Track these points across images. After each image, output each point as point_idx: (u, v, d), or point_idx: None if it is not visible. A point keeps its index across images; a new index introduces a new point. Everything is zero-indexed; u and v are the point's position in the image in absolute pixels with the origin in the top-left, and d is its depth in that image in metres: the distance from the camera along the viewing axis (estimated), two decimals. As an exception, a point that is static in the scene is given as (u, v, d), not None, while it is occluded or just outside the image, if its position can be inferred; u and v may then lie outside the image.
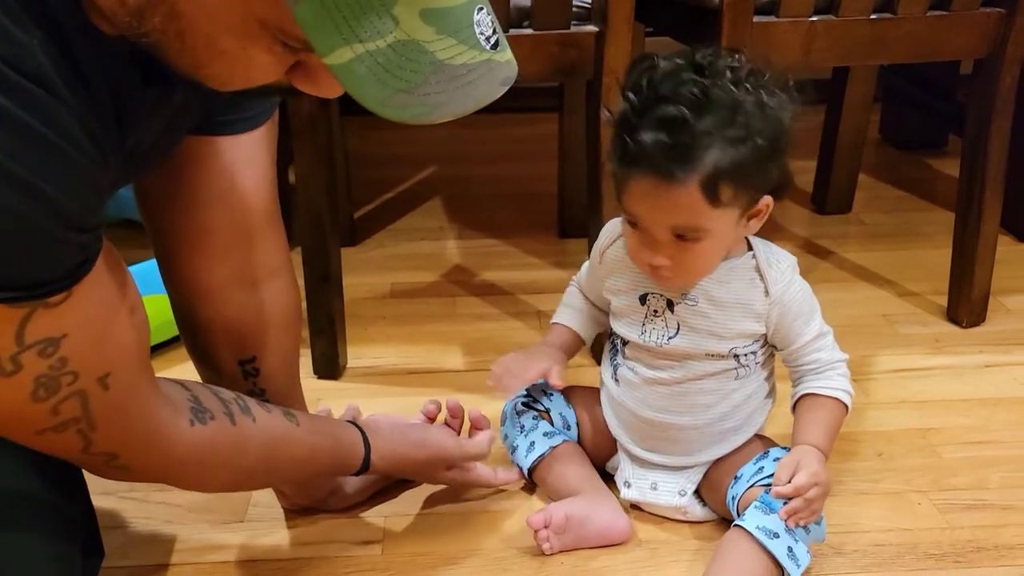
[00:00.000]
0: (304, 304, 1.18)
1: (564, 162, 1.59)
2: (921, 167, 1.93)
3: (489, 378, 0.96)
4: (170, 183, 0.76)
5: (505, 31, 1.07)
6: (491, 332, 1.33)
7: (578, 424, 1.01)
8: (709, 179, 0.78)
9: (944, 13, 1.16)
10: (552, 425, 1.00)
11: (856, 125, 1.67)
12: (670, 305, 0.89)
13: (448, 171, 1.95)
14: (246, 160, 0.77)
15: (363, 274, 1.50)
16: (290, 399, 0.89)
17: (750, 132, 0.79)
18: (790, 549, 0.82)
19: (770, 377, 0.94)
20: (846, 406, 0.89)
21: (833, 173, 1.70)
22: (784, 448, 0.91)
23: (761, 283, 0.87)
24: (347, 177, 1.60)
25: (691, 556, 0.91)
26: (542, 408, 1.01)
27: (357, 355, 1.27)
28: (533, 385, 1.02)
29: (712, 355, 0.89)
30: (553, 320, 1.03)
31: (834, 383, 0.89)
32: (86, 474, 0.78)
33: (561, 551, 0.91)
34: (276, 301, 0.84)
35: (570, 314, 1.02)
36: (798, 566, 0.83)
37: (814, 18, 1.13)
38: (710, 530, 0.94)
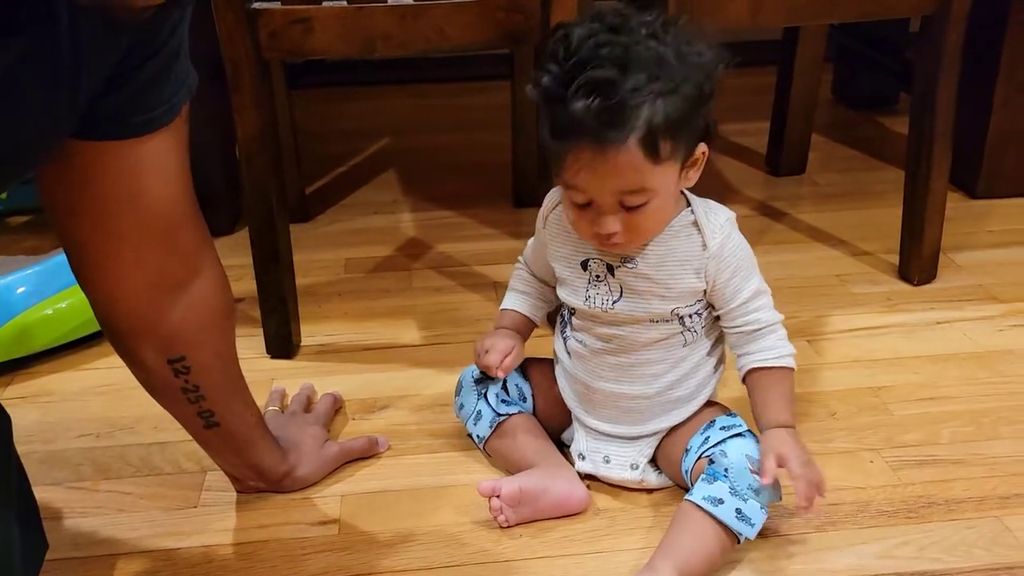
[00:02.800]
0: (255, 285, 1.17)
1: (517, 131, 1.57)
2: (873, 126, 1.94)
3: (495, 371, 0.95)
4: (74, 193, 0.71)
5: (449, -2, 1.06)
6: (447, 305, 1.32)
7: (533, 396, 1.00)
8: (647, 137, 0.77)
9: (890, -30, 1.15)
10: (508, 394, 1.00)
11: (808, 86, 1.66)
12: (611, 269, 0.88)
13: (400, 143, 1.92)
14: (153, 162, 0.72)
15: (316, 250, 1.48)
16: (228, 392, 0.86)
17: (676, 83, 0.77)
18: (738, 511, 0.83)
19: (718, 344, 0.93)
20: (793, 369, 0.89)
21: (786, 134, 1.70)
22: (731, 414, 0.91)
23: (699, 236, 0.86)
24: (296, 152, 1.57)
25: (649, 523, 0.91)
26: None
27: (311, 333, 1.25)
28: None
29: (656, 319, 0.88)
30: (502, 306, 1.02)
31: (777, 348, 0.89)
32: (27, 466, 0.76)
33: (518, 524, 0.91)
34: (202, 300, 0.81)
35: (518, 299, 1.01)
36: (751, 525, 0.83)
37: (760, -23, 1.12)
38: (667, 496, 0.94)
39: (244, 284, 1.26)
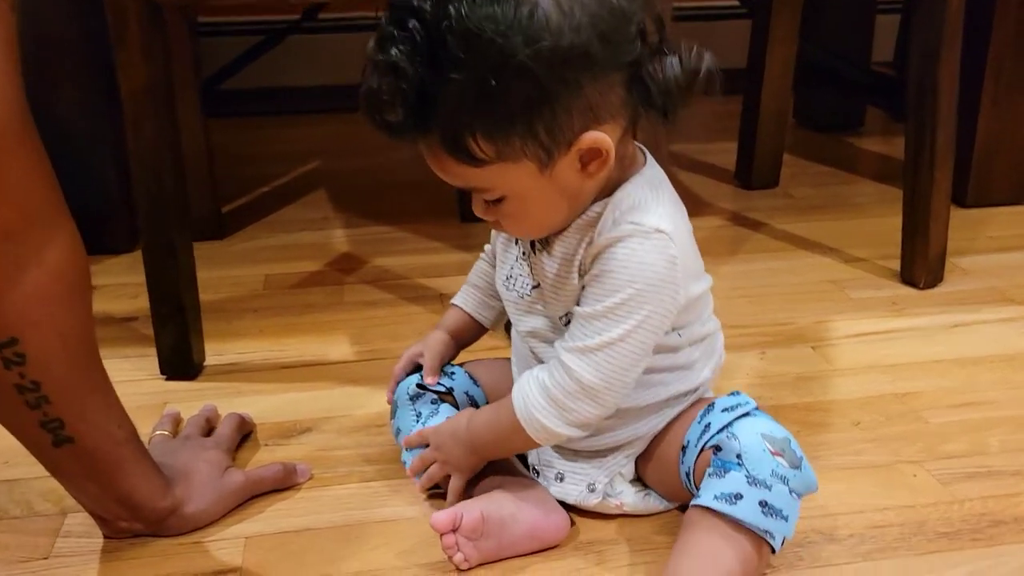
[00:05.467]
0: (146, 291, 0.95)
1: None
2: (842, 146, 1.82)
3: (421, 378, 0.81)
4: None
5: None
6: (385, 319, 1.11)
7: (488, 403, 0.80)
8: (449, 141, 0.60)
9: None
10: (457, 407, 0.79)
11: (777, 105, 1.54)
12: (533, 246, 0.70)
13: (333, 164, 1.73)
14: None
15: (230, 267, 1.26)
16: (81, 394, 0.64)
17: (467, 68, 0.57)
18: (764, 504, 0.63)
19: (696, 346, 0.73)
20: (518, 420, 0.67)
21: (757, 148, 1.56)
22: (733, 393, 0.71)
23: (591, 233, 0.66)
24: (211, 172, 1.36)
25: (650, 557, 0.70)
26: (442, 389, 0.80)
27: (218, 351, 1.03)
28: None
29: (556, 322, 0.70)
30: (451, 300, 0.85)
31: (530, 388, 0.67)
32: None
33: (481, 564, 0.69)
34: (42, 259, 0.59)
35: (465, 293, 0.85)
36: (785, 519, 0.63)
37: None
38: (674, 520, 0.74)
39: (140, 302, 1.05)
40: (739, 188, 1.57)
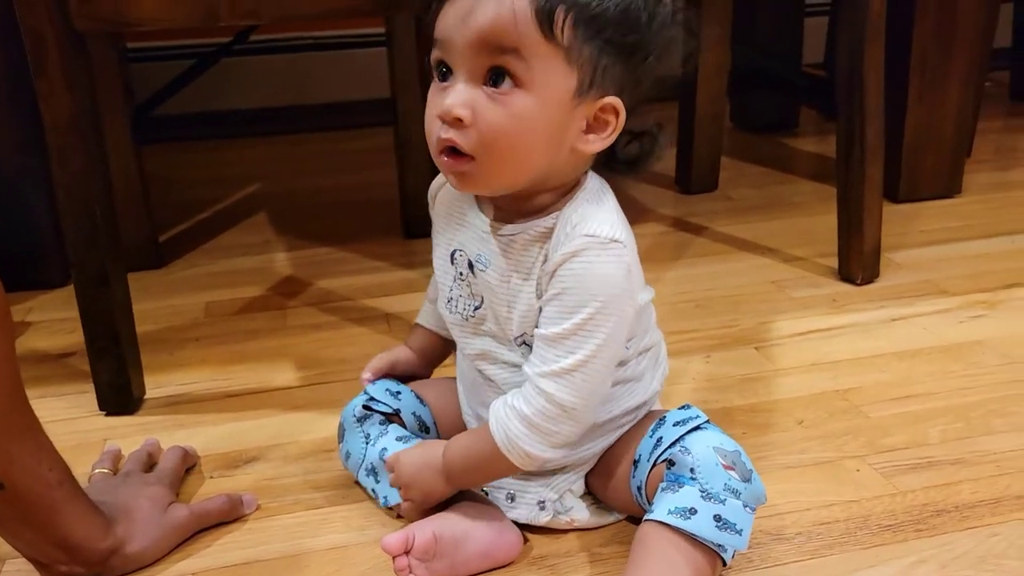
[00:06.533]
0: (80, 323, 0.93)
1: (404, 165, 1.39)
2: (777, 146, 1.85)
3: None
4: None
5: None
6: (330, 341, 1.10)
7: (436, 423, 0.79)
8: (546, 2, 0.59)
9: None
10: (405, 428, 0.78)
11: (713, 109, 1.56)
12: (471, 267, 0.70)
13: (273, 187, 1.71)
14: None
15: (170, 296, 1.24)
16: (6, 439, 0.62)
17: None
18: (718, 518, 0.63)
19: (641, 358, 0.73)
20: (498, 447, 0.66)
21: (694, 153, 1.58)
22: (684, 407, 0.71)
23: (547, 246, 0.66)
24: (146, 200, 1.33)
25: (602, 567, 0.70)
26: (389, 410, 0.79)
27: (159, 383, 1.00)
28: (374, 384, 0.81)
29: (512, 343, 0.69)
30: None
31: (507, 416, 0.66)
32: None
33: (433, 585, 0.68)
34: None
35: (425, 309, 0.84)
36: (739, 532, 0.64)
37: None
38: (628, 532, 0.74)
39: (76, 336, 1.02)
40: (680, 193, 1.59)
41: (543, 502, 0.72)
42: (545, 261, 0.65)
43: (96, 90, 0.90)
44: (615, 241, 0.63)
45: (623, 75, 0.64)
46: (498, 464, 0.67)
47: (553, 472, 0.73)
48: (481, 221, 0.69)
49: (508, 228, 0.67)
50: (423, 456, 0.71)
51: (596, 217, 0.65)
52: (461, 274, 0.71)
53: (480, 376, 0.73)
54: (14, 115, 1.19)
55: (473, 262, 0.70)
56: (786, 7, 1.85)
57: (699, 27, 1.36)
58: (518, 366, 0.69)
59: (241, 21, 0.88)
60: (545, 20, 0.59)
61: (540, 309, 0.66)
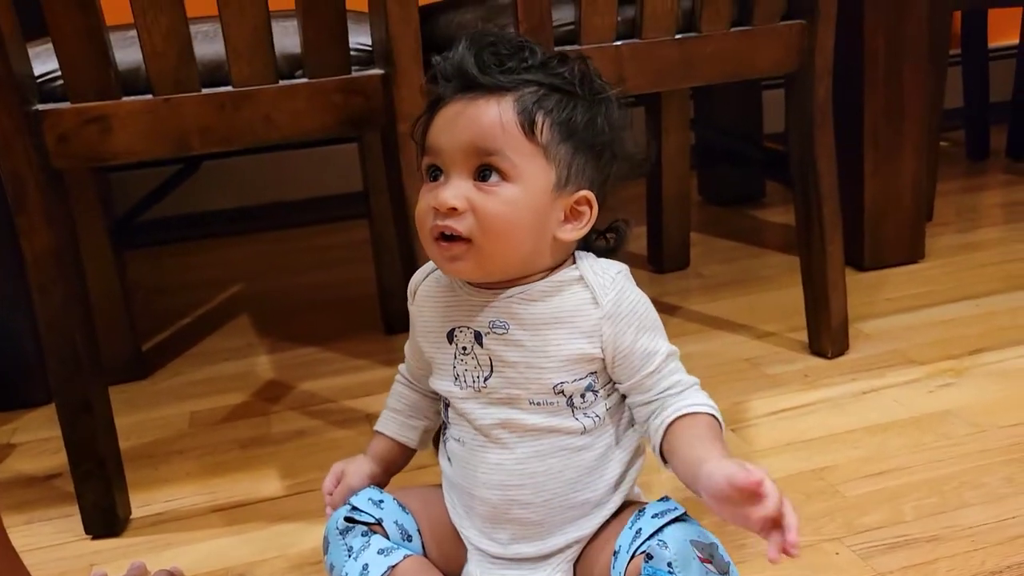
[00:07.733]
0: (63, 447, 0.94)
1: (380, 260, 1.43)
2: (746, 218, 1.90)
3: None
4: None
5: (275, 83, 0.92)
6: (314, 447, 1.11)
7: (420, 532, 0.80)
8: (525, 107, 0.69)
9: (747, 29, 1.10)
10: (388, 539, 0.79)
11: (679, 189, 1.60)
12: (478, 338, 0.73)
13: (254, 288, 1.74)
14: None
15: (154, 408, 1.25)
16: None
17: (576, 89, 0.71)
18: None
19: (627, 429, 0.76)
20: (723, 426, 0.73)
21: (664, 232, 1.62)
22: (663, 499, 0.73)
23: (587, 292, 0.71)
24: (128, 311, 1.35)
25: (588, 673, 0.71)
26: (371, 520, 0.80)
27: (145, 501, 1.01)
28: (358, 495, 0.82)
29: (536, 399, 0.72)
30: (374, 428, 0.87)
31: (703, 400, 0.74)
32: None
33: None
34: None
35: (385, 419, 0.86)
36: None
37: (618, 43, 1.05)
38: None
39: (61, 456, 1.03)
40: (653, 272, 1.62)
41: None
42: (596, 305, 0.71)
43: (74, 217, 0.93)
44: (621, 268, 0.73)
45: (594, 173, 0.72)
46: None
47: (548, 557, 0.74)
48: (479, 293, 0.73)
49: (512, 289, 0.72)
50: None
51: (596, 260, 0.74)
52: (464, 349, 0.74)
53: (478, 451, 0.74)
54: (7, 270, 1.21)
55: (482, 333, 0.72)
56: (742, 84, 1.92)
57: (657, 120, 1.43)
58: (540, 431, 0.72)
59: (214, 149, 0.92)
60: (527, 123, 0.68)
61: (611, 353, 0.71)
